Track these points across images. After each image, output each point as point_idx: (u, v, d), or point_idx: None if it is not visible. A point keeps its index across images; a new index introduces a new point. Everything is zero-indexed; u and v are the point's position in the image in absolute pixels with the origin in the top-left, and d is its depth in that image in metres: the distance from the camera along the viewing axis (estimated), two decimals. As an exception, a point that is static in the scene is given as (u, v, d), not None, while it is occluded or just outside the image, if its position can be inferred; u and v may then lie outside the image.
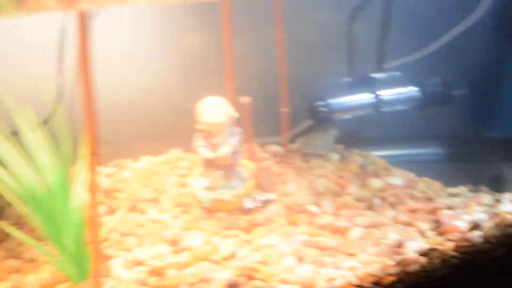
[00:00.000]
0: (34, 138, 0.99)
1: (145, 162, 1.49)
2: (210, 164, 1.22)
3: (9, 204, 1.30)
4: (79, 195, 0.95)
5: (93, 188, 0.83)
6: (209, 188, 1.24)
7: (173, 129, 1.53)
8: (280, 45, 1.29)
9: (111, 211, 1.26)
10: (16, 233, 1.00)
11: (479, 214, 1.14)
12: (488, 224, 1.09)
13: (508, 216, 1.09)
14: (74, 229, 0.97)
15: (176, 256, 1.08)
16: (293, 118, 1.49)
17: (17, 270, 1.10)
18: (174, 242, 1.12)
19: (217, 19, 1.30)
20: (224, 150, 1.17)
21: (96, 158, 0.80)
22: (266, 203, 1.24)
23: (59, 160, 0.96)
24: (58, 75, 1.32)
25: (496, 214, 1.12)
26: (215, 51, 1.41)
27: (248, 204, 1.23)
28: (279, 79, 1.33)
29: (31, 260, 1.13)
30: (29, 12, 0.69)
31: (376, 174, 1.39)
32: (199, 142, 1.20)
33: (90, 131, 0.77)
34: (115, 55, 1.41)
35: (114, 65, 1.41)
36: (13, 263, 1.12)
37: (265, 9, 1.34)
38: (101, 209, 1.23)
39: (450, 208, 1.19)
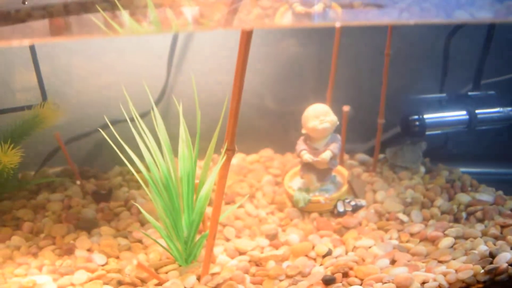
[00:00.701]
0: (164, 132, 1.14)
1: (238, 158, 1.63)
2: (308, 167, 1.34)
3: (117, 187, 1.48)
4: (210, 186, 1.09)
5: (222, 180, 0.97)
6: (304, 190, 1.35)
7: (266, 131, 1.66)
8: (387, 60, 1.39)
9: (210, 203, 1.40)
10: (144, 215, 1.14)
11: None
12: None
13: None
14: (191, 216, 1.11)
15: (275, 249, 1.21)
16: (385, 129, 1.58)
17: (128, 248, 1.26)
18: (272, 237, 1.25)
19: (324, 31, 1.42)
20: (325, 155, 1.29)
21: (230, 154, 0.93)
22: (356, 208, 1.34)
23: (190, 151, 1.11)
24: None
25: None
26: (317, 59, 1.53)
27: (340, 207, 1.33)
28: (381, 92, 1.42)
29: (138, 240, 1.29)
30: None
31: (463, 189, 1.45)
32: (301, 146, 1.32)
33: (230, 130, 0.90)
34: (223, 65, 1.56)
35: (224, 71, 1.57)
36: (122, 241, 1.28)
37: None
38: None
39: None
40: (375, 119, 1.47)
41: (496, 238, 1.21)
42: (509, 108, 1.50)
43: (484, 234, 1.22)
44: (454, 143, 1.64)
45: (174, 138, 1.15)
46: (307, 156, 1.30)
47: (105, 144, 1.66)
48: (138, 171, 1.42)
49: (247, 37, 0.81)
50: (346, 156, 1.60)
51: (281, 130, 1.63)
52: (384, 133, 1.65)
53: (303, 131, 1.31)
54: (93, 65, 1.56)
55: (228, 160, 0.93)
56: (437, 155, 1.61)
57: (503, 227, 1.24)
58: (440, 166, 1.56)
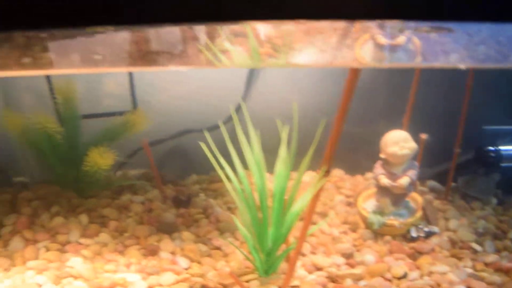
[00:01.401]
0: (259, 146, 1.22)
1: (309, 176, 1.71)
2: (384, 191, 1.40)
3: (195, 195, 1.58)
4: (303, 204, 1.17)
5: (315, 199, 1.05)
6: (378, 212, 1.42)
7: (337, 151, 1.73)
8: (468, 91, 1.44)
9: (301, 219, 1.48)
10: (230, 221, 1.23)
11: None
12: None
13: None
14: (279, 229, 1.19)
15: (351, 268, 1.27)
16: (444, 155, 1.62)
17: (208, 255, 1.35)
18: (348, 255, 1.31)
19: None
20: (404, 181, 1.35)
21: (326, 175, 1.02)
22: (429, 235, 1.40)
23: (286, 168, 1.19)
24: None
25: None
26: (393, 83, 1.60)
27: (414, 233, 1.39)
28: (459, 121, 1.47)
29: (217, 248, 1.38)
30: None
31: (537, 224, 1.49)
32: (379, 170, 1.39)
33: (329, 153, 0.99)
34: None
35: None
36: (203, 247, 1.37)
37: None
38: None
39: None
40: (444, 146, 1.52)
41: None
42: None
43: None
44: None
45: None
46: (385, 181, 1.36)
47: (181, 151, 1.78)
48: (218, 180, 1.52)
49: (354, 74, 0.89)
50: (417, 183, 1.65)
51: (352, 152, 1.70)
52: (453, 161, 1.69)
53: (382, 155, 1.38)
54: (176, 77, 1.67)
55: (323, 181, 1.01)
56: (510, 187, 1.64)
57: None
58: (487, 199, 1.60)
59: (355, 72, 0.89)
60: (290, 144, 1.18)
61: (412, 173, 1.35)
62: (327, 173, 1.01)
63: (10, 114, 1.46)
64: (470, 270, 1.26)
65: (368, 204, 1.46)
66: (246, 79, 1.63)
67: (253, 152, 1.20)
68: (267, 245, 1.20)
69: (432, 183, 1.65)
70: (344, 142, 1.70)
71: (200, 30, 1.01)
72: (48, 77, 1.50)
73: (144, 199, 1.57)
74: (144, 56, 0.95)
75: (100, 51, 1.00)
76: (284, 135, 1.19)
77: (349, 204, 1.54)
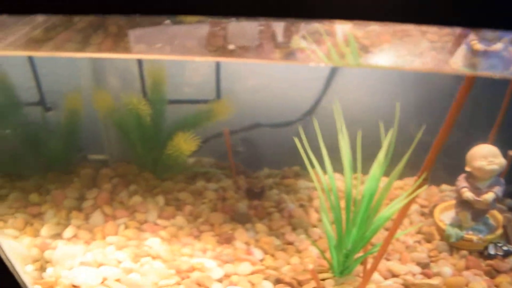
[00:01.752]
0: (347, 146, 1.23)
1: (383, 182, 1.69)
2: (464, 205, 1.38)
3: (268, 188, 1.60)
4: (394, 209, 1.17)
5: (408, 205, 1.05)
6: (456, 226, 1.40)
7: (413, 160, 1.71)
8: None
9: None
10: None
11: None
12: None
13: None
14: (363, 232, 1.20)
15: (427, 278, 1.26)
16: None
17: (282, 249, 1.36)
18: (424, 265, 1.30)
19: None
20: (489, 196, 1.32)
21: (424, 183, 1.01)
22: (508, 254, 1.37)
23: (380, 172, 1.19)
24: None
25: None
26: (483, 96, 1.56)
27: (492, 250, 1.36)
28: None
29: (290, 243, 1.39)
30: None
31: None
32: (463, 183, 1.36)
33: (430, 162, 0.98)
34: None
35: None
36: (276, 241, 1.38)
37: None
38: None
39: None
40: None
41: None
42: None
43: None
44: None
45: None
46: (469, 194, 1.34)
47: (252, 144, 1.80)
48: (291, 176, 1.53)
49: (470, 82, 0.88)
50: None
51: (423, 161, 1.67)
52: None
53: (467, 169, 1.36)
54: (257, 69, 1.68)
55: (421, 188, 1.01)
56: None
57: None
58: None
59: (470, 80, 0.88)
60: (388, 148, 1.18)
61: (498, 189, 1.33)
62: (425, 180, 1.01)
63: (100, 93, 1.51)
64: (551, 296, 1.22)
65: (445, 216, 1.44)
66: (327, 78, 1.63)
67: (345, 151, 1.21)
68: (347, 246, 1.20)
69: (510, 201, 1.60)
70: (422, 152, 1.69)
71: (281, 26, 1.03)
72: (139, 61, 1.55)
73: (217, 187, 1.60)
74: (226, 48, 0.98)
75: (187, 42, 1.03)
76: (384, 139, 1.19)
77: (423, 214, 1.53)
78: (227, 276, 1.24)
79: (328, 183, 1.20)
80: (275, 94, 1.68)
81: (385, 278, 1.25)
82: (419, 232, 1.46)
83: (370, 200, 1.17)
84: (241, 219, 1.45)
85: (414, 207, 1.55)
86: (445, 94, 1.64)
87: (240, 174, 1.70)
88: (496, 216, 1.44)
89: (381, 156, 1.19)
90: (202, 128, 1.58)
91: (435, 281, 1.23)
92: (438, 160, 1.57)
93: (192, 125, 1.56)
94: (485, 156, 1.32)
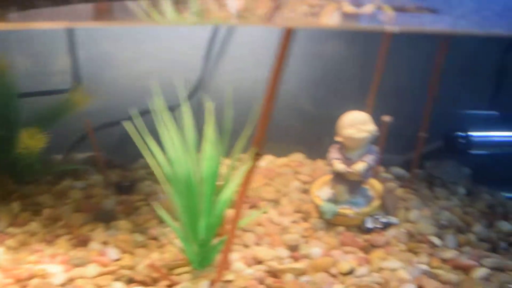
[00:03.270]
0: (191, 129, 1.10)
1: (267, 161, 1.58)
2: (338, 177, 1.28)
3: (140, 180, 1.47)
4: (232, 189, 1.05)
5: (246, 185, 0.93)
6: (333, 201, 1.30)
7: (299, 134, 1.61)
8: (437, 70, 1.32)
9: (233, 206, 1.37)
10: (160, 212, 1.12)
11: None
12: None
13: None
14: (211, 218, 1.08)
15: (295, 262, 1.16)
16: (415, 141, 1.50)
17: (143, 245, 1.23)
18: (293, 248, 1.20)
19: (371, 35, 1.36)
20: (360, 167, 1.23)
21: (258, 159, 0.89)
22: (387, 226, 1.28)
23: (215, 151, 1.07)
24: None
25: None
26: (360, 64, 1.47)
27: (369, 224, 1.27)
28: (426, 103, 1.35)
29: (155, 238, 1.26)
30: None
31: (505, 217, 1.37)
32: (334, 155, 1.26)
33: (260, 135, 0.86)
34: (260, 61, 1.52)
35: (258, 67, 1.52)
36: (138, 237, 1.25)
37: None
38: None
39: None
40: (415, 131, 1.40)
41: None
42: None
43: (526, 267, 1.14)
44: (503, 165, 1.55)
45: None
46: (340, 166, 1.24)
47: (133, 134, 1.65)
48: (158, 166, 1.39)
49: (288, 36, 0.77)
50: (381, 169, 1.53)
51: (315, 135, 1.57)
52: (424, 147, 1.57)
53: (338, 138, 1.26)
54: (130, 53, 1.54)
55: (254, 164, 0.89)
56: (481, 176, 1.52)
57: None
58: (482, 190, 1.47)
59: (288, 34, 0.76)
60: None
61: (370, 159, 1.23)
62: (258, 156, 0.89)
63: None
64: (424, 267, 1.14)
65: (322, 192, 1.35)
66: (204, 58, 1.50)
67: (187, 132, 1.08)
68: (199, 235, 1.08)
69: (397, 169, 1.53)
70: (307, 125, 1.59)
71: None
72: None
73: (85, 185, 1.46)
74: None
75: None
76: (209, 112, 1.07)
77: (305, 191, 1.43)
78: (71, 280, 1.10)
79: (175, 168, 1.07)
80: (161, 78, 1.55)
81: (249, 266, 1.14)
82: (298, 211, 1.35)
83: (212, 183, 1.05)
84: (105, 217, 1.32)
85: (296, 183, 1.44)
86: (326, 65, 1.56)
87: (116, 167, 1.56)
88: (376, 187, 1.35)
89: (209, 132, 1.07)
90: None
91: (300, 264, 1.13)
92: (325, 132, 1.48)
93: (49, 118, 1.40)
94: (353, 123, 1.23)
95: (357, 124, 1.22)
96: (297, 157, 1.59)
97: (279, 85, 0.82)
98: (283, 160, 1.58)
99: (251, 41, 1.50)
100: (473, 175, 1.51)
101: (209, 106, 1.08)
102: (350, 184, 1.28)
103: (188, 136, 1.08)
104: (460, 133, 1.40)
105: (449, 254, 1.18)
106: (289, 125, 1.60)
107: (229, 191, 1.05)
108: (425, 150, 1.55)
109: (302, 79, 1.55)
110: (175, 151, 1.05)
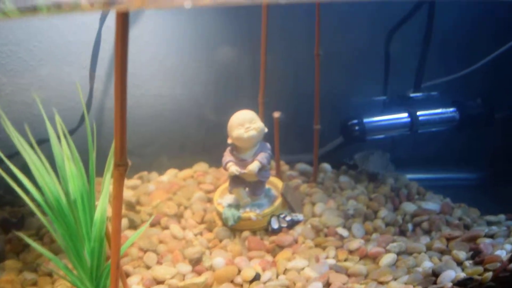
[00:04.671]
0: (59, 147, 0.97)
1: (170, 175, 1.47)
2: (237, 181, 1.19)
3: (31, 214, 1.30)
4: (103, 208, 0.93)
5: (116, 200, 0.81)
6: (235, 206, 1.20)
7: (201, 143, 1.50)
8: (317, 61, 1.26)
9: (133, 225, 1.24)
10: (34, 245, 0.97)
11: None
12: None
13: None
14: (93, 242, 0.94)
15: (197, 276, 1.05)
16: (329, 136, 1.45)
17: (33, 283, 1.08)
18: (195, 261, 1.08)
19: (253, 33, 1.28)
20: (253, 166, 1.14)
21: (122, 170, 0.77)
22: (293, 224, 1.20)
23: (84, 171, 0.94)
24: (90, 81, 1.31)
25: None
26: (250, 66, 1.39)
27: (274, 224, 1.18)
28: (315, 95, 1.29)
29: (48, 274, 1.11)
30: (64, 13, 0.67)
31: (409, 198, 1.33)
32: (227, 157, 1.17)
33: (118, 141, 0.74)
34: (145, 66, 1.40)
35: (144, 76, 1.40)
36: (29, 275, 1.09)
37: (303, 26, 1.31)
38: (123, 223, 1.21)
39: (490, 236, 1.12)
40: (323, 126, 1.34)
41: (442, 252, 1.08)
42: (451, 109, 1.38)
43: (429, 248, 1.10)
44: (402, 148, 1.52)
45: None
46: (234, 169, 1.15)
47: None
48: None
49: (122, 20, 0.65)
50: (285, 167, 1.46)
51: (217, 142, 1.47)
52: (333, 141, 1.52)
53: (229, 141, 1.16)
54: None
55: (121, 176, 0.77)
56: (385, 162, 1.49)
57: (448, 239, 1.11)
58: (386, 174, 1.43)
59: (122, 18, 0.64)
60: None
61: (263, 157, 1.15)
62: (122, 167, 0.76)
63: None
64: (332, 261, 1.07)
65: (225, 198, 1.25)
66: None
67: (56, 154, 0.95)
68: (84, 263, 0.95)
69: (302, 166, 1.45)
70: (209, 132, 1.49)
71: None
72: None
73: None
74: None
75: None
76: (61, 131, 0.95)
77: (209, 201, 1.32)
78: None
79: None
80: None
81: (148, 288, 1.01)
82: (202, 222, 1.24)
83: (85, 205, 0.92)
84: (-10, 259, 1.14)
85: (198, 194, 1.33)
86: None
87: (4, 205, 1.38)
88: (279, 186, 1.27)
89: (65, 147, 0.94)
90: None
91: (202, 278, 1.02)
92: (225, 138, 1.38)
93: None
94: (241, 123, 1.14)
95: (244, 123, 1.13)
96: (201, 167, 1.49)
97: (126, 78, 0.69)
98: (187, 172, 1.46)
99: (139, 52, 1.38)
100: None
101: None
102: (250, 186, 1.19)
103: (58, 161, 0.95)
104: (353, 121, 1.35)
105: (356, 244, 1.11)
106: (191, 135, 1.50)
107: (100, 211, 0.92)
108: (333, 144, 1.50)
109: (202, 87, 1.45)
110: (41, 178, 0.92)
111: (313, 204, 1.27)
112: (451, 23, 1.45)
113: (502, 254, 1.03)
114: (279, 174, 1.34)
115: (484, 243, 1.06)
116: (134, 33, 1.34)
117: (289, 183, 1.33)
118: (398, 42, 1.44)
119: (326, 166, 1.45)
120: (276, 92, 1.37)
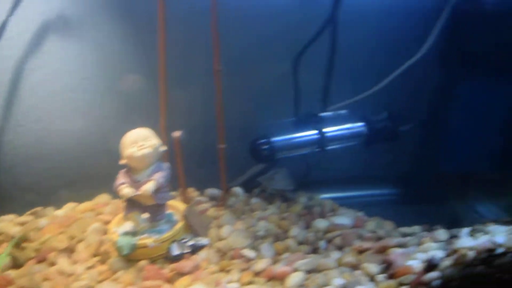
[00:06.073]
0: None
1: (68, 209, 1.29)
2: (133, 205, 1.04)
3: None
4: None
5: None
6: (131, 234, 1.05)
7: (103, 174, 1.35)
8: (218, 77, 1.16)
9: (16, 264, 1.05)
10: None
11: (435, 251, 0.98)
12: (446, 262, 0.93)
13: (467, 252, 0.92)
14: None
15: (81, 313, 0.88)
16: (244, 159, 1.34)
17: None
18: (79, 298, 0.92)
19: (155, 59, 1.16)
20: (148, 186, 1.00)
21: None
22: (196, 249, 1.06)
23: None
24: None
25: (455, 251, 0.95)
26: (154, 93, 1.26)
27: (175, 250, 1.04)
28: (216, 113, 1.19)
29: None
30: None
31: (322, 215, 1.23)
32: (120, 179, 1.03)
33: None
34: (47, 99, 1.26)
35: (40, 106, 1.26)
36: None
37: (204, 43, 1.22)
38: (5, 261, 1.03)
39: (402, 246, 1.02)
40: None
41: (354, 267, 0.98)
42: (359, 124, 1.32)
43: (340, 263, 0.98)
44: (316, 168, 1.43)
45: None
46: (126, 191, 1.01)
47: None
48: None
49: None
50: (195, 193, 1.32)
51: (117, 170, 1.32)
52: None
53: (123, 161, 1.03)
54: None
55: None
56: (299, 182, 1.39)
57: (360, 252, 1.01)
58: (299, 194, 1.33)
59: None
60: None
61: (159, 176, 1.02)
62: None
63: None
64: (235, 285, 0.93)
65: (123, 226, 1.08)
66: None
67: None
68: None
69: (212, 190, 1.32)
70: (110, 162, 1.34)
71: None
72: None
73: None
74: None
75: None
76: None
77: (106, 232, 1.15)
78: None
79: None
80: None
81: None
82: (96, 254, 1.08)
83: None
84: None
85: (94, 226, 1.16)
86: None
87: None
88: (182, 210, 1.13)
89: None
90: None
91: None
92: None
93: None
94: (134, 141, 1.01)
95: (138, 141, 1.00)
96: (102, 199, 1.32)
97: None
98: (86, 205, 1.30)
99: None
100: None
101: None
102: (149, 210, 1.05)
103: None
104: (262, 140, 1.25)
105: (263, 265, 0.99)
106: (93, 166, 1.34)
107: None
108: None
109: (105, 115, 1.32)
110: None
111: (220, 226, 1.14)
112: (356, 42, 1.41)
113: (414, 264, 0.94)
114: (185, 199, 1.21)
115: (395, 254, 0.97)
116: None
117: (194, 206, 1.19)
118: (307, 62, 1.38)
119: (238, 190, 1.33)
120: (184, 116, 1.25)
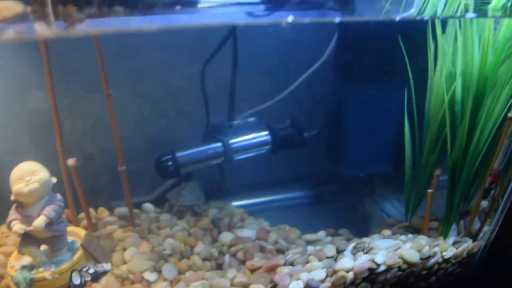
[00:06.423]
0: None
1: None
2: (29, 239, 1.02)
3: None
4: None
5: None
6: (29, 267, 1.03)
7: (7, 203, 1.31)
8: (109, 101, 1.14)
9: None
10: None
11: (318, 271, 0.99)
12: (325, 284, 0.96)
13: (346, 274, 0.95)
14: None
15: None
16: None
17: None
18: None
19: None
20: (38, 222, 0.98)
21: None
22: (98, 276, 1.06)
23: None
24: None
25: (335, 272, 0.98)
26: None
27: (76, 280, 1.03)
28: (113, 136, 1.17)
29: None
30: None
31: (230, 228, 1.25)
32: (11, 216, 1.00)
33: None
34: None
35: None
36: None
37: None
38: None
39: (291, 263, 1.05)
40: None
41: (245, 286, 0.99)
42: (264, 133, 1.33)
43: (232, 283, 1.00)
44: (227, 177, 1.44)
45: None
46: (17, 227, 0.99)
47: None
48: None
49: None
50: (105, 213, 1.31)
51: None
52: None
53: (12, 197, 1.00)
54: None
55: None
56: (211, 192, 1.40)
57: (252, 271, 1.03)
58: (211, 205, 1.34)
59: None
60: None
61: (49, 210, 1.00)
62: None
63: None
64: (129, 312, 0.93)
65: (22, 260, 1.07)
66: None
67: None
68: None
69: (120, 210, 1.31)
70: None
71: None
72: None
73: None
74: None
75: None
76: None
77: (4, 267, 1.12)
78: None
79: None
80: None
81: None
82: (-3, 289, 1.05)
83: None
84: None
85: (-3, 259, 1.14)
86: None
87: None
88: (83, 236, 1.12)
89: None
90: None
91: None
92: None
93: None
94: (21, 176, 0.99)
95: (25, 176, 0.98)
96: (5, 229, 1.28)
97: None
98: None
99: None
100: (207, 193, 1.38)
101: None
102: (46, 242, 1.04)
103: None
104: (166, 157, 1.25)
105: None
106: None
107: None
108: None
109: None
110: None
111: (125, 249, 1.14)
112: (261, 50, 1.42)
113: (296, 286, 0.96)
114: (89, 225, 1.20)
115: (281, 274, 0.99)
116: None
117: (90, 234, 1.17)
118: (212, 74, 1.38)
119: (149, 206, 1.33)
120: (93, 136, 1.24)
